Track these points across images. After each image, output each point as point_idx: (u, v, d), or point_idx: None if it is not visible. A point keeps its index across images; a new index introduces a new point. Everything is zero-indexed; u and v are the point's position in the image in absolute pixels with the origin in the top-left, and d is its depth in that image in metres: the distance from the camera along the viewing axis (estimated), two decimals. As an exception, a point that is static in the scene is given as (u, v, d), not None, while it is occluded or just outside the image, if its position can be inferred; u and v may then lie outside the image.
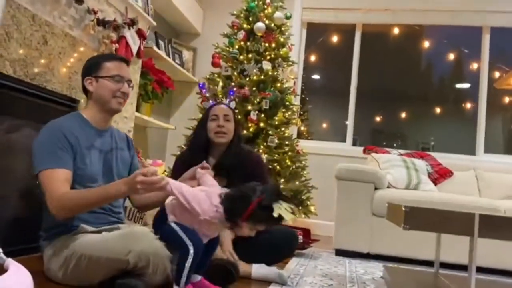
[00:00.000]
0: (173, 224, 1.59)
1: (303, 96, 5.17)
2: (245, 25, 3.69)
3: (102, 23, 2.63)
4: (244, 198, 1.54)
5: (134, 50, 2.90)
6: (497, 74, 4.95)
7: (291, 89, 3.75)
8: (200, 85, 3.25)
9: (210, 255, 1.72)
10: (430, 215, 1.86)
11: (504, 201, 3.12)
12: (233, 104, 2.51)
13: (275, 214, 1.46)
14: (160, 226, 1.63)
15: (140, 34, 2.97)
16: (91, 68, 1.84)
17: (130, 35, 2.84)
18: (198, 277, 1.66)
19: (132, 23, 2.83)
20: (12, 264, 1.28)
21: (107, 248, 1.54)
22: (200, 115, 3.70)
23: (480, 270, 2.01)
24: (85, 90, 1.86)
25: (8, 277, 1.20)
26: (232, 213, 1.55)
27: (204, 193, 1.60)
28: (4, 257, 1.30)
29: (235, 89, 3.19)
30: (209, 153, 2.32)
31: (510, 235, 1.82)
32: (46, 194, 1.63)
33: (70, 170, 1.69)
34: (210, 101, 2.52)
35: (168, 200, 1.66)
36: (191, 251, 1.53)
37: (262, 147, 3.43)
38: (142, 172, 1.51)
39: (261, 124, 3.47)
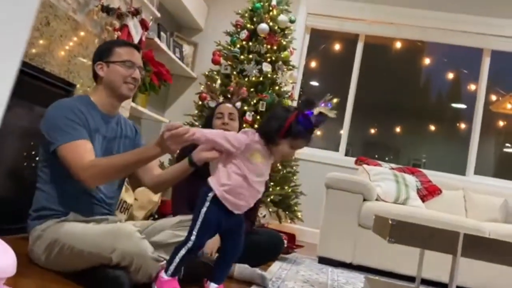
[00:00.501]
0: (204, 209, 1.51)
1: (300, 102, 5.18)
2: (248, 25, 3.68)
3: (106, 9, 2.62)
4: (278, 115, 1.52)
5: (136, 39, 2.89)
6: (493, 97, 4.99)
7: (289, 94, 3.75)
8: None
9: (228, 267, 1.69)
10: (415, 230, 1.87)
11: (490, 223, 3.14)
12: (238, 104, 2.53)
13: (315, 112, 1.47)
14: (201, 195, 1.54)
15: (143, 24, 2.96)
16: (103, 53, 1.81)
17: (133, 24, 2.83)
18: (214, 286, 1.62)
19: (136, 12, 2.82)
20: (-3, 244, 1.26)
21: (91, 243, 1.52)
22: (196, 111, 3.71)
23: (460, 289, 2.04)
24: (95, 75, 1.83)
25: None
26: (269, 129, 1.51)
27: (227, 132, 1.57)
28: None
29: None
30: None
31: (493, 257, 1.84)
32: (72, 167, 1.60)
33: (89, 141, 1.67)
34: (208, 99, 2.52)
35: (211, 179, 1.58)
36: (189, 244, 1.50)
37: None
38: (167, 127, 1.50)
39: (256, 126, 3.47)
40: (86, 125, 1.70)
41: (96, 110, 1.78)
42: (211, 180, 1.54)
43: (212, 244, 2.11)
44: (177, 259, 1.51)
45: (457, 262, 1.81)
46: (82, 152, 1.61)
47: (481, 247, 1.82)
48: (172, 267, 1.51)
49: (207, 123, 2.35)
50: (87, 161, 1.59)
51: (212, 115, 2.36)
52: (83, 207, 1.71)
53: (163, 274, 1.52)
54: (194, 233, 1.50)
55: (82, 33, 2.46)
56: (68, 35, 2.35)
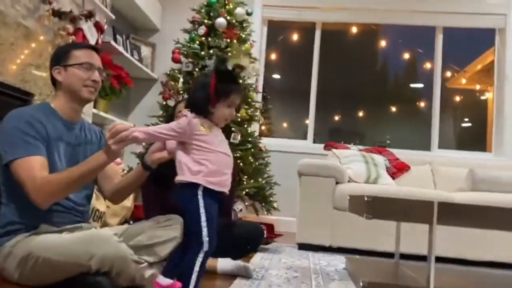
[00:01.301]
0: (202, 207, 1.45)
1: (264, 94, 5.19)
2: (206, 21, 3.65)
3: (58, 14, 2.53)
4: (201, 85, 1.53)
5: (92, 43, 2.81)
6: (449, 74, 5.17)
7: (254, 86, 3.75)
8: None
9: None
10: (391, 204, 1.91)
11: (459, 193, 3.25)
12: None
13: (230, 67, 1.49)
14: (187, 198, 1.48)
15: (98, 27, 2.89)
16: (60, 57, 1.74)
17: (87, 27, 2.75)
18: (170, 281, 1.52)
19: (89, 15, 2.75)
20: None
21: (67, 252, 1.46)
22: (161, 112, 3.65)
23: (440, 260, 2.09)
24: (54, 81, 1.75)
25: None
26: (199, 102, 1.50)
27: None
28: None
29: None
30: None
31: (467, 222, 1.90)
32: (25, 184, 1.52)
33: (45, 157, 1.60)
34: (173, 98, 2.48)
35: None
36: (205, 248, 1.42)
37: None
38: (107, 130, 1.47)
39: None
40: (45, 136, 1.63)
41: (58, 117, 1.72)
42: (186, 177, 1.48)
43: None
44: (196, 270, 1.41)
45: (434, 231, 1.86)
46: (36, 170, 1.53)
47: (455, 214, 1.88)
48: (192, 281, 1.40)
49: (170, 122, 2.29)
50: (39, 181, 1.52)
51: (173, 114, 2.31)
52: (53, 218, 1.64)
53: None
54: (205, 234, 1.43)
55: (34, 40, 2.37)
56: (20, 43, 2.26)
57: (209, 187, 1.47)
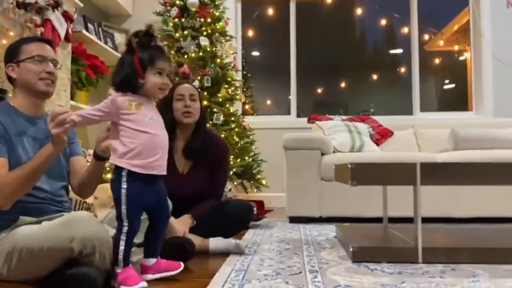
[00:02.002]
0: (124, 184, 1.45)
1: (244, 72, 5.16)
2: (177, 1, 3.59)
3: (22, 5, 2.45)
4: (123, 61, 1.49)
5: (62, 33, 2.75)
6: (426, 37, 5.17)
7: (232, 65, 3.72)
8: None
9: (160, 237, 1.65)
10: (374, 169, 1.94)
11: (442, 153, 3.30)
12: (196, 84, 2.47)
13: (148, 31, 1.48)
14: (113, 181, 1.49)
15: (67, 17, 2.82)
16: (11, 54, 1.72)
17: (55, 17, 2.68)
18: (152, 260, 1.60)
19: (56, 4, 2.67)
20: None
21: (48, 238, 1.46)
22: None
23: (425, 220, 2.13)
24: (10, 79, 1.74)
25: None
26: (125, 78, 1.47)
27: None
28: None
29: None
30: (175, 135, 2.26)
31: (448, 180, 1.94)
32: None
33: (4, 157, 1.58)
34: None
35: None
36: (125, 229, 1.46)
37: (208, 125, 3.39)
38: (49, 116, 1.48)
39: (205, 102, 3.42)
40: (5, 134, 1.62)
41: (18, 113, 1.70)
42: (113, 160, 1.48)
43: (181, 225, 2.09)
44: (121, 249, 1.46)
45: (418, 192, 1.89)
46: None
47: (437, 173, 1.91)
48: (120, 258, 1.46)
49: (167, 106, 2.27)
50: None
51: (171, 96, 2.28)
52: (30, 210, 1.63)
53: (116, 270, 1.47)
54: (124, 218, 1.46)
55: (2, 35, 2.30)
56: (-14, 38, 2.20)
57: (133, 169, 1.45)
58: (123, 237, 1.46)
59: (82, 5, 3.14)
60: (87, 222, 1.48)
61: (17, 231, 1.55)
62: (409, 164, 1.89)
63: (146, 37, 1.50)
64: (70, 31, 2.87)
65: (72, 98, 3.19)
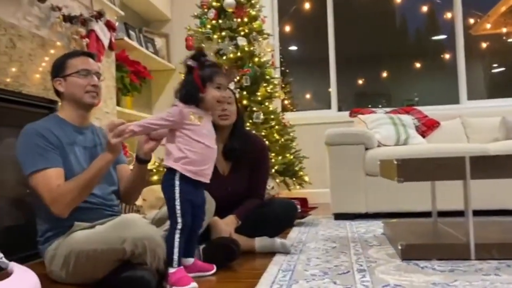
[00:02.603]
0: (177, 184, 1.56)
1: (282, 68, 5.14)
2: (214, 3, 3.62)
3: (68, 19, 2.56)
4: (185, 81, 1.64)
5: (106, 42, 2.84)
6: (471, 21, 4.96)
7: (270, 62, 3.72)
8: None
9: (196, 238, 1.73)
10: (421, 164, 1.89)
11: (492, 144, 3.16)
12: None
13: (210, 54, 1.60)
14: (165, 182, 1.60)
15: (110, 26, 2.91)
16: (57, 69, 1.83)
17: (99, 28, 2.78)
18: (190, 260, 1.68)
19: (99, 15, 2.77)
20: (16, 267, 1.27)
21: (101, 240, 1.54)
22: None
23: (477, 213, 2.05)
24: (57, 92, 1.85)
25: (16, 279, 1.20)
26: (190, 92, 1.60)
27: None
28: (6, 261, 1.30)
29: None
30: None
31: (500, 173, 1.86)
32: (44, 196, 1.63)
33: (61, 167, 1.69)
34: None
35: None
36: (179, 226, 1.55)
37: (248, 124, 3.42)
38: (106, 126, 1.61)
39: (244, 102, 3.45)
40: (58, 143, 1.72)
41: (67, 124, 1.81)
42: (168, 162, 1.60)
43: (226, 225, 2.12)
44: (175, 247, 1.54)
45: (469, 186, 1.83)
46: (53, 182, 1.63)
47: (488, 166, 1.83)
48: (174, 257, 1.54)
49: None
50: (55, 194, 1.62)
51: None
52: (84, 215, 1.72)
53: (170, 270, 1.54)
54: (178, 214, 1.55)
55: (51, 48, 2.41)
56: (37, 53, 2.31)
57: (186, 174, 1.57)
58: (177, 234, 1.55)
59: (123, 13, 3.23)
60: (137, 223, 1.54)
61: (73, 236, 1.64)
62: (458, 158, 1.83)
63: (203, 57, 1.65)
64: (113, 39, 2.97)
65: (118, 104, 3.31)
